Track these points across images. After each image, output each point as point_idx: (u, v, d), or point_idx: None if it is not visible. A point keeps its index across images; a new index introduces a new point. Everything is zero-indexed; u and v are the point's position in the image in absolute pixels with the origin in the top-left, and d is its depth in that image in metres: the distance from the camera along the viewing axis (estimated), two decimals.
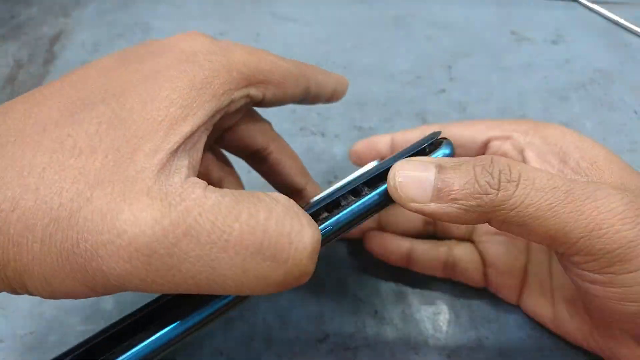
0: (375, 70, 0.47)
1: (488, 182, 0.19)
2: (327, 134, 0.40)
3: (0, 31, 0.54)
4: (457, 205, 0.19)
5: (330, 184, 0.36)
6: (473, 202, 0.19)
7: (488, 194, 0.18)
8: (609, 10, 0.53)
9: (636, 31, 0.50)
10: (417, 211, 0.19)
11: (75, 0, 0.58)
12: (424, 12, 0.55)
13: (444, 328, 0.28)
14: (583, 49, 0.49)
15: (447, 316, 0.29)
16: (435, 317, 0.29)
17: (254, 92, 0.21)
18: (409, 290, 0.30)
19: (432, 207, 0.19)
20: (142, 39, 0.52)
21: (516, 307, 0.28)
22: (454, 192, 0.19)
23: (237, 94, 0.20)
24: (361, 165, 0.26)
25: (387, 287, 0.30)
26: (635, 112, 0.41)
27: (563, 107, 0.42)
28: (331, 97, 0.27)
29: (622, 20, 0.52)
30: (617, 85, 0.44)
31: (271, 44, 0.50)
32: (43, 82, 0.47)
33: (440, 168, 0.19)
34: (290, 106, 0.45)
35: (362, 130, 0.41)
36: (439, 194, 0.19)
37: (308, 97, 0.25)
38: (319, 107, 0.43)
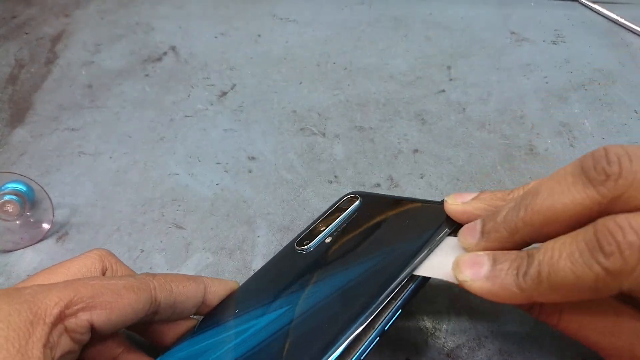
0: (375, 70, 0.47)
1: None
2: (328, 134, 0.41)
3: (1, 31, 0.54)
4: None
5: (330, 183, 0.36)
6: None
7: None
8: (610, 10, 0.54)
9: (636, 31, 0.51)
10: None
11: (76, 0, 0.58)
12: (424, 12, 0.56)
13: (444, 327, 0.28)
14: (583, 49, 0.49)
15: (446, 315, 0.29)
16: (435, 315, 0.29)
17: (73, 324, 0.20)
18: None
19: None
20: (143, 39, 0.52)
21: (515, 306, 0.28)
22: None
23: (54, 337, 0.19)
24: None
25: None
26: (636, 112, 0.42)
27: (563, 107, 0.42)
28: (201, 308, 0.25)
29: (622, 20, 0.52)
30: (617, 85, 0.44)
31: (271, 45, 0.50)
32: (45, 81, 0.47)
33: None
34: (291, 106, 0.45)
35: (362, 130, 0.41)
36: None
37: (160, 311, 0.23)
38: (320, 107, 0.44)
